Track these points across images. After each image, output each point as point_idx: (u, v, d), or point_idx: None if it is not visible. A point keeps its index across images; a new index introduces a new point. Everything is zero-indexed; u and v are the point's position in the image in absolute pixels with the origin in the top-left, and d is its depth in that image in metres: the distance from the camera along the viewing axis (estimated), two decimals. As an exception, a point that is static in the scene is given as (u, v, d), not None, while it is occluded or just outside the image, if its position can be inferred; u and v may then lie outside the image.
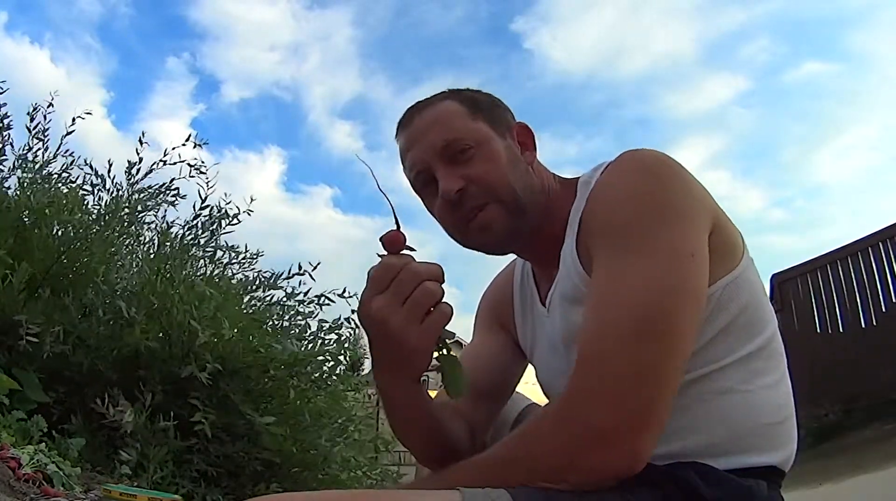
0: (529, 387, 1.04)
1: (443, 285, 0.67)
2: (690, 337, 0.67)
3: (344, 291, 2.93)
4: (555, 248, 0.82)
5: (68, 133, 2.94)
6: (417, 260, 0.68)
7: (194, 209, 3.10)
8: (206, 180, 3.05)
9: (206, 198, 3.08)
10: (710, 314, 0.72)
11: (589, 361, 0.66)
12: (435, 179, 0.82)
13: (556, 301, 0.84)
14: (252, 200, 3.10)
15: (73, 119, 2.94)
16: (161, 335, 2.58)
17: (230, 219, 3.08)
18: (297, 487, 2.67)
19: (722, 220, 0.75)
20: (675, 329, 0.65)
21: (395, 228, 0.68)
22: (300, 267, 3.01)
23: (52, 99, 2.94)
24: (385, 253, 0.68)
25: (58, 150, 2.94)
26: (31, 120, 2.89)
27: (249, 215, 3.10)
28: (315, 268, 2.98)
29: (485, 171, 0.80)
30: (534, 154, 0.87)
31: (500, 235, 0.83)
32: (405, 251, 0.68)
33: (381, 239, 0.68)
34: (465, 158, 0.81)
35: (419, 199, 0.89)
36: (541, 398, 0.99)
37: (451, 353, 0.72)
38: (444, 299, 0.67)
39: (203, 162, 3.06)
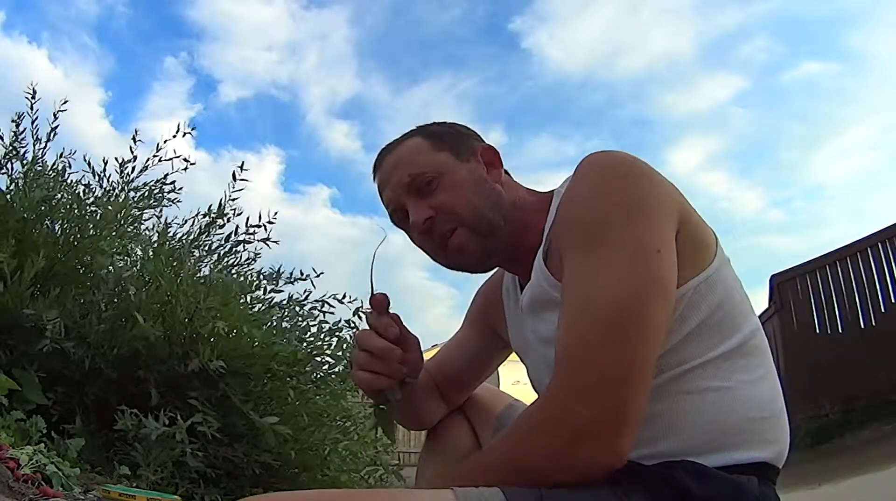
0: (525, 388, 1.05)
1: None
2: (661, 331, 0.69)
3: (344, 296, 2.92)
4: (532, 259, 0.84)
5: (53, 130, 2.94)
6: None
7: (208, 214, 3.10)
8: (233, 189, 3.05)
9: (223, 206, 3.08)
10: (682, 314, 0.72)
11: (565, 361, 0.68)
12: (409, 214, 0.88)
13: (526, 306, 0.87)
14: (268, 220, 3.07)
15: (55, 114, 2.93)
16: (162, 334, 2.58)
17: (247, 229, 3.06)
18: (296, 488, 2.67)
19: (692, 219, 0.76)
20: (646, 325, 0.67)
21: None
22: (301, 273, 3.01)
23: (34, 91, 2.90)
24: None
25: (46, 143, 2.95)
26: (17, 126, 2.89)
27: (267, 230, 3.05)
28: (318, 275, 2.99)
29: (449, 198, 0.86)
30: (500, 172, 0.90)
31: (475, 254, 0.88)
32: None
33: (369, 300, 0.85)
34: (431, 189, 0.86)
35: (404, 233, 0.94)
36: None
37: (386, 409, 0.89)
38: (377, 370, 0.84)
39: (240, 172, 3.03)
